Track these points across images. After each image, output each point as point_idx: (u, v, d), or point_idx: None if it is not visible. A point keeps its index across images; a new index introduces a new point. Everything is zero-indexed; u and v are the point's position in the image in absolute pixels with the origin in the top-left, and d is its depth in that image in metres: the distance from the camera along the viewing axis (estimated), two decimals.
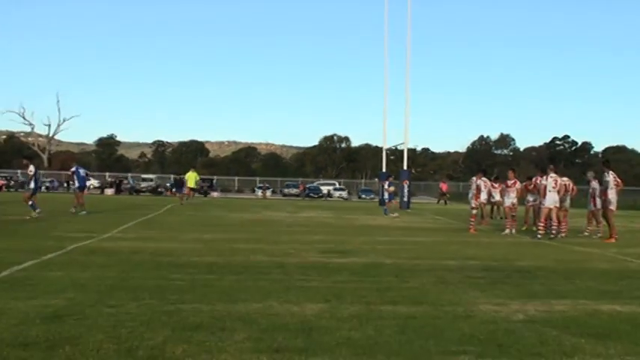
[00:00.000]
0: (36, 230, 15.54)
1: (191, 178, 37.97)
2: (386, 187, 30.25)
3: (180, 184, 39.65)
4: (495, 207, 26.76)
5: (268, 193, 73.86)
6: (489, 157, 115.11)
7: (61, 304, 6.44)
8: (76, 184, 25.45)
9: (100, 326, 5.58)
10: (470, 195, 22.13)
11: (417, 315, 6.51)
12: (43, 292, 7.12)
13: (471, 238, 17.62)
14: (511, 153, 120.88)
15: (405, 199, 41.94)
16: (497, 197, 24.19)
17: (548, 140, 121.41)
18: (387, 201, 30.54)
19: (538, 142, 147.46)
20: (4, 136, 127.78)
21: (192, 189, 38.85)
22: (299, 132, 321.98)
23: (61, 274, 8.47)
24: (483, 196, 22.25)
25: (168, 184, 69.82)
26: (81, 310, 6.19)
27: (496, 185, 24.67)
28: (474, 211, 20.90)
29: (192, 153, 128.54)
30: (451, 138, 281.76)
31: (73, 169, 26.02)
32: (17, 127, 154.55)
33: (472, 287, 8.47)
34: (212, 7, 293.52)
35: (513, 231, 19.36)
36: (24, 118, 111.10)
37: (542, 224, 17.81)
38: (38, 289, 7.26)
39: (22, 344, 4.93)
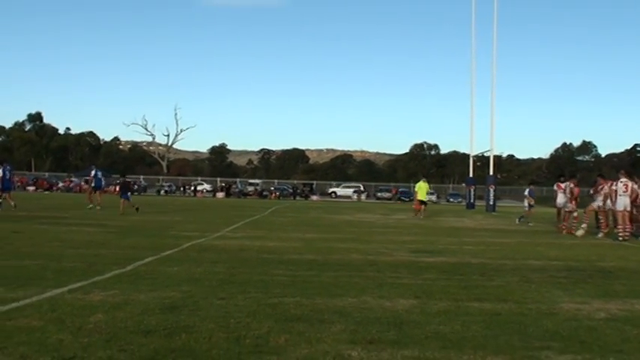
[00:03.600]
0: (156, 229, 16.06)
1: (422, 189, 28.77)
2: (526, 194, 27.89)
3: (126, 188, 25.20)
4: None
5: (363, 196, 73.98)
6: (572, 164, 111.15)
7: (178, 296, 6.60)
8: (93, 184, 27.13)
9: (212, 316, 5.70)
10: (564, 200, 21.05)
11: (502, 312, 6.35)
12: (162, 285, 7.33)
13: (555, 239, 17.04)
14: (593, 159, 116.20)
15: (491, 202, 41.22)
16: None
17: (629, 146, 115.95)
18: (526, 209, 26.89)
19: (620, 148, 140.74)
20: (129, 146, 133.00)
21: (422, 202, 28.78)
22: (391, 140, 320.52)
23: (177, 269, 8.69)
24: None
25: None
26: (195, 302, 6.33)
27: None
28: (575, 214, 20.14)
29: (293, 160, 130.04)
30: (535, 145, 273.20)
31: (93, 172, 27.32)
32: (140, 137, 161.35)
33: (555, 286, 8.18)
34: (307, 27, 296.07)
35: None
36: (146, 129, 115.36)
37: (620, 227, 17.09)
38: (158, 283, 7.48)
39: (143, 332, 5.08)
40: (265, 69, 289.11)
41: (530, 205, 26.03)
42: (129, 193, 24.71)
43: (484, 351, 4.81)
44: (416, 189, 29.56)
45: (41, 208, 26.58)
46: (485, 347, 4.93)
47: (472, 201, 47.93)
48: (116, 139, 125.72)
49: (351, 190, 77.89)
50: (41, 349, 4.48)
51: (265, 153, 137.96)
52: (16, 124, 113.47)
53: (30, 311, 5.68)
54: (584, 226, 18.86)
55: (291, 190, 71.19)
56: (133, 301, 6.27)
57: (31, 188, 65.34)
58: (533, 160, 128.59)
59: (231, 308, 6.10)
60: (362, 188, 78.38)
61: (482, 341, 5.12)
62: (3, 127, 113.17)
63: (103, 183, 29.79)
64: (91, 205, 25.66)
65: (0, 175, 22.41)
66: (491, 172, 43.19)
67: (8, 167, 23.26)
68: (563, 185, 21.40)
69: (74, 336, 4.87)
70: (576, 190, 20.59)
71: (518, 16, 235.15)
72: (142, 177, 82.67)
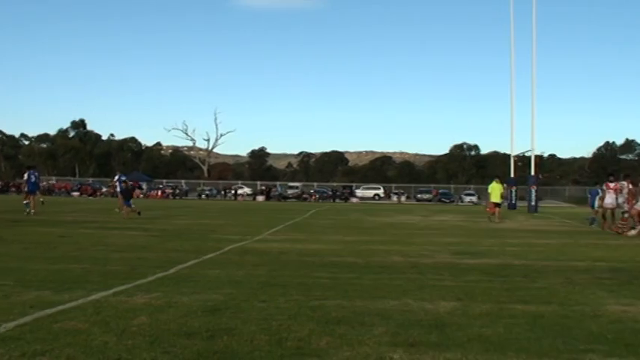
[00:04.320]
0: (198, 233, 16.23)
1: (495, 190, 26.51)
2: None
3: (128, 194, 25.24)
4: None
5: (403, 198, 73.69)
6: (615, 163, 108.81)
7: (220, 299, 6.65)
8: (118, 188, 28.49)
9: (254, 319, 5.72)
10: (622, 200, 20.50)
11: (545, 314, 6.24)
12: (204, 287, 7.39)
13: (599, 240, 16.70)
14: (636, 158, 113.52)
15: (533, 203, 40.71)
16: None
17: None
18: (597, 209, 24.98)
19: None
20: (170, 151, 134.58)
21: (496, 204, 26.35)
22: (431, 141, 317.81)
23: (219, 272, 8.76)
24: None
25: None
26: (237, 305, 6.36)
27: None
28: (626, 215, 19.72)
29: (333, 162, 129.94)
30: (577, 144, 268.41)
31: (116, 177, 29.37)
32: (181, 142, 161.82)
33: (600, 288, 8.02)
34: (344, 29, 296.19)
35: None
36: (186, 134, 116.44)
37: None
38: (200, 285, 7.55)
39: (186, 334, 5.12)
40: (304, 72, 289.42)
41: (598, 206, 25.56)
42: (131, 200, 25.09)
43: (527, 354, 4.74)
44: (489, 190, 27.30)
45: (86, 212, 27.10)
46: (529, 350, 4.85)
47: (513, 202, 47.43)
48: (158, 144, 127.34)
49: (372, 191, 77.62)
50: (86, 351, 4.55)
51: (305, 156, 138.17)
52: (60, 131, 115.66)
53: (75, 314, 5.78)
54: (638, 227, 18.48)
55: (330, 193, 71.29)
56: (175, 304, 6.33)
57: (76, 194, 66.67)
58: (575, 159, 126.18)
59: (272, 311, 6.11)
60: (382, 190, 78.24)
61: (525, 344, 5.04)
62: (47, 135, 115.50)
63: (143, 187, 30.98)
64: (117, 209, 26.42)
65: (25, 178, 24.18)
66: (532, 173, 42.69)
67: (35, 173, 24.78)
68: (612, 185, 20.88)
69: (118, 338, 4.93)
70: (633, 190, 20.13)
71: (558, 13, 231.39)
72: (183, 181, 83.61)
